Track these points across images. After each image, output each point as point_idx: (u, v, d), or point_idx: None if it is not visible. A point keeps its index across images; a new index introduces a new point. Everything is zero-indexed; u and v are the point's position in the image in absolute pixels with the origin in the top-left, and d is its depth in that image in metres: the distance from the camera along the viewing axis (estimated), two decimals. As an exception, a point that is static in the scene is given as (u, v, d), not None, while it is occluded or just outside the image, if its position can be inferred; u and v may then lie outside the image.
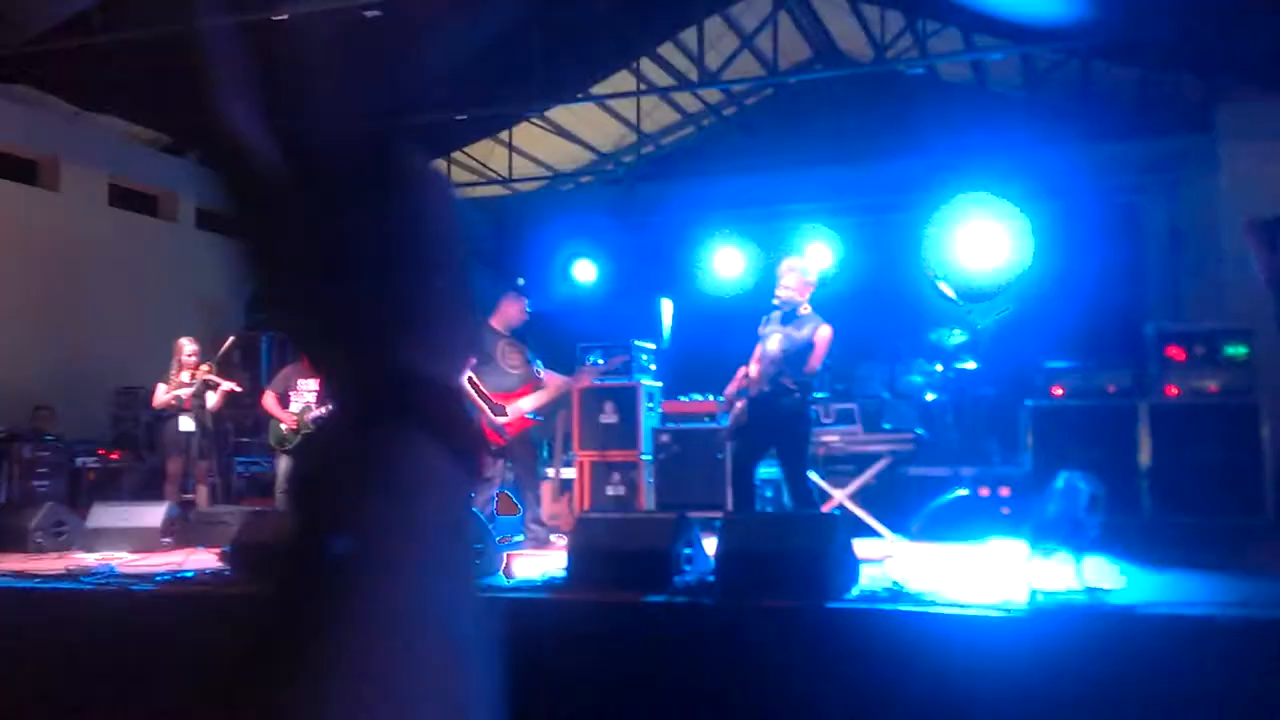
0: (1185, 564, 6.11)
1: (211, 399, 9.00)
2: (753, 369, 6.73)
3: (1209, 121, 10.44)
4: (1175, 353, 8.26)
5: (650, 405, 9.24)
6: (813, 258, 6.94)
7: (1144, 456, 8.04)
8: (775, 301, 6.87)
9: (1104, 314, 10.49)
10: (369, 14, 8.96)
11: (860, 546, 5.51)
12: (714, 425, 8.82)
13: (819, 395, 6.61)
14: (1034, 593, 4.82)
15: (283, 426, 8.68)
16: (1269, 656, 4.01)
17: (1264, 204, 8.28)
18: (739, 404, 6.71)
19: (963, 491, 8.15)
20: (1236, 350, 8.15)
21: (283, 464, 8.70)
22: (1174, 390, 8.20)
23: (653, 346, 9.07)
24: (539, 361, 7.80)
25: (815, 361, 6.54)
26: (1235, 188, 10.00)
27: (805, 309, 6.75)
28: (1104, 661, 4.18)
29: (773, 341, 6.66)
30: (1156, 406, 8.11)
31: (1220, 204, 10.19)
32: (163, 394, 8.95)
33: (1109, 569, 5.77)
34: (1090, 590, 4.88)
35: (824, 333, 6.62)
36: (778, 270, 6.90)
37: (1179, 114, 11.19)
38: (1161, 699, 4.04)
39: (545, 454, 10.80)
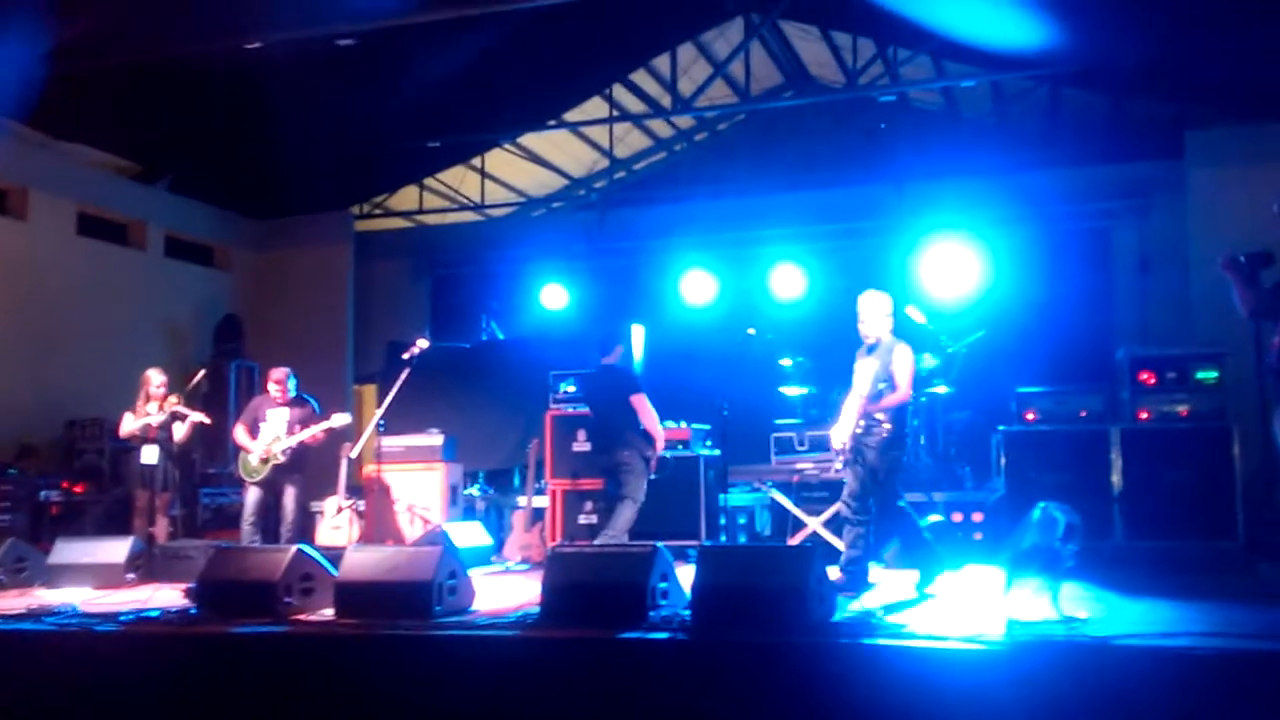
0: (1160, 591, 6.11)
1: (179, 430, 8.86)
2: (847, 408, 6.55)
3: (1178, 148, 10.53)
4: (1146, 377, 8.30)
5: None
6: (871, 301, 6.78)
7: (1116, 481, 8.06)
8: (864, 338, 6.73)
9: (1075, 339, 10.53)
10: (343, 43, 8.93)
11: (835, 575, 5.48)
12: (687, 452, 8.77)
13: (913, 422, 6.42)
14: (1011, 624, 4.79)
15: (251, 458, 8.56)
16: (1245, 688, 3.99)
17: (1231, 230, 8.37)
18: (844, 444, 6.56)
19: (936, 517, 8.13)
20: (1207, 375, 8.19)
21: (251, 495, 8.57)
22: (1145, 415, 8.24)
23: (583, 378, 8.99)
24: None
25: (902, 388, 6.43)
26: (1203, 214, 10.09)
27: (887, 339, 6.64)
28: (1081, 694, 4.15)
29: (862, 376, 6.53)
30: (1128, 431, 8.14)
31: (1189, 229, 10.27)
32: (130, 423, 8.81)
33: (1085, 598, 5.75)
34: (1067, 621, 4.86)
35: (900, 355, 6.49)
36: (858, 308, 6.77)
37: (1148, 140, 11.28)
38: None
39: (516, 483, 10.73)
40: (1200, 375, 8.21)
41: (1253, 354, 4.66)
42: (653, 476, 7.86)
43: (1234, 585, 6.52)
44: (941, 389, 9.43)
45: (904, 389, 6.42)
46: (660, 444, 7.88)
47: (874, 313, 6.67)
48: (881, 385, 6.42)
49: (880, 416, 6.35)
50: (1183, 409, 8.18)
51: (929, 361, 10.00)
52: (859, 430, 6.40)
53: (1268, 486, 7.52)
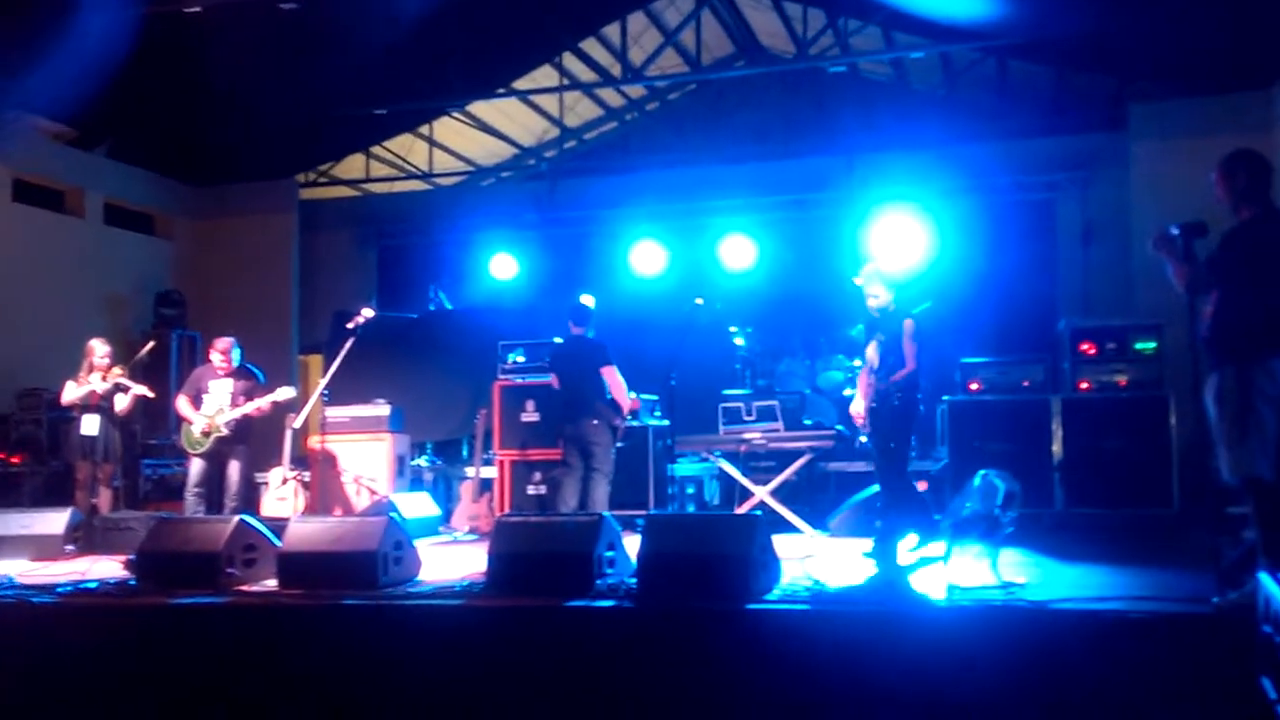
0: (1096, 557, 6.24)
1: (121, 402, 8.71)
2: (862, 382, 6.77)
3: (1121, 120, 10.66)
4: (1087, 348, 8.45)
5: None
6: (872, 266, 6.85)
7: (1057, 450, 8.20)
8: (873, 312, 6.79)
9: (1019, 309, 10.66)
10: (285, 6, 8.75)
11: (781, 543, 5.52)
12: (636, 423, 8.78)
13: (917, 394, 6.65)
14: (951, 589, 4.87)
15: (195, 429, 8.44)
16: (1176, 650, 4.09)
17: (1173, 202, 8.46)
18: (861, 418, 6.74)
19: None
20: (1146, 345, 8.36)
21: (194, 466, 8.46)
22: (1086, 385, 8.38)
23: (555, 347, 8.97)
24: None
25: (908, 359, 6.51)
26: (1146, 186, 10.23)
27: (891, 307, 6.68)
28: (1018, 656, 4.23)
29: (871, 350, 6.70)
30: (1069, 401, 8.29)
31: (1131, 202, 10.42)
32: (72, 392, 8.65)
33: (1024, 564, 5.86)
34: (1005, 586, 4.95)
35: (905, 330, 6.57)
36: (859, 283, 6.80)
37: (1092, 113, 11.41)
38: (1074, 692, 4.11)
39: (465, 453, 10.69)
40: (1139, 346, 8.37)
41: (1190, 325, 4.73)
42: (619, 445, 7.95)
43: (1167, 551, 6.68)
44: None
45: (910, 361, 6.51)
46: (626, 413, 7.98)
47: (876, 285, 6.67)
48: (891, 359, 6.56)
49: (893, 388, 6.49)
50: (1121, 379, 8.35)
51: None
52: (873, 404, 6.59)
53: (1202, 455, 7.69)
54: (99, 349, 8.75)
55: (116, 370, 8.77)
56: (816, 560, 6.27)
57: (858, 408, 6.78)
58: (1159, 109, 10.45)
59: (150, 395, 9.02)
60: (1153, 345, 8.32)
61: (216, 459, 8.44)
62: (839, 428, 8.77)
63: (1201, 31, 8.85)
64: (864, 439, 6.79)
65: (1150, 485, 7.96)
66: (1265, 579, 3.83)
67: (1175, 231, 4.76)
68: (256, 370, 8.77)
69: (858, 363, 9.99)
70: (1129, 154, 10.56)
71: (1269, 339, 4.41)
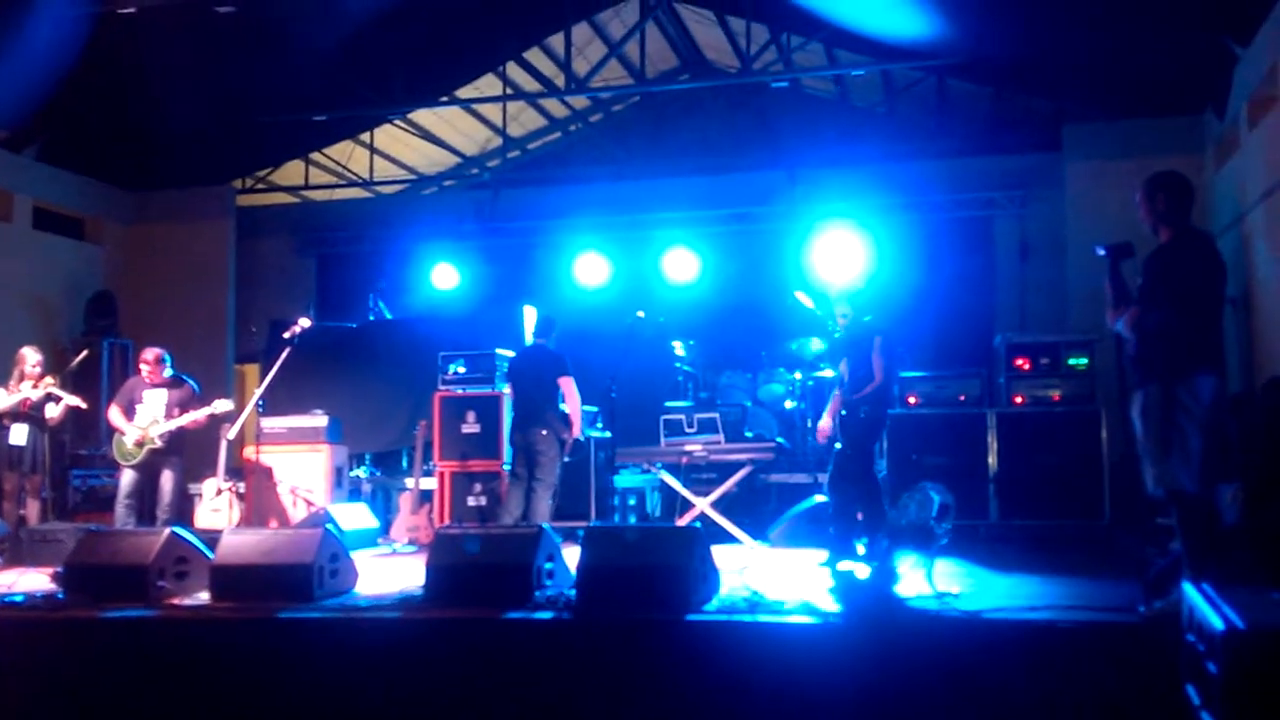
0: (1029, 567, 6.35)
1: (52, 411, 8.49)
2: (835, 401, 6.98)
3: (1057, 141, 10.90)
4: (1022, 363, 8.61)
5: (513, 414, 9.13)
6: (842, 285, 7.14)
7: (992, 462, 8.34)
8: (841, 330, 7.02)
9: (958, 325, 10.83)
10: (222, 10, 8.63)
11: (721, 555, 5.54)
12: (580, 436, 8.76)
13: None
14: (889, 597, 4.93)
15: (127, 440, 8.23)
16: (1105, 658, 4.17)
17: (1106, 223, 8.68)
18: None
19: (821, 498, 8.29)
20: (1078, 361, 8.53)
21: (125, 478, 8.26)
22: (1020, 399, 8.54)
23: (515, 355, 8.94)
24: None
25: (877, 373, 6.67)
26: (1080, 206, 10.47)
27: (862, 329, 6.87)
28: (952, 663, 4.29)
29: (844, 367, 6.93)
30: (1003, 415, 8.43)
31: (1066, 220, 10.65)
32: (1, 400, 8.42)
33: (958, 574, 5.94)
34: (940, 595, 5.02)
35: (876, 344, 6.75)
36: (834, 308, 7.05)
37: (1030, 133, 11.65)
38: (1008, 700, 4.17)
39: (404, 464, 10.58)
40: (1072, 361, 8.55)
41: (1116, 342, 4.85)
42: (566, 459, 8.00)
43: (1097, 562, 6.82)
44: (828, 373, 9.61)
45: (879, 377, 6.67)
46: (577, 429, 8.04)
47: (842, 308, 6.90)
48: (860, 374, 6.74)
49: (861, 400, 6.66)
50: (1055, 393, 8.51)
51: (816, 345, 10.21)
52: (842, 413, 6.78)
53: (1131, 469, 7.87)
54: (30, 357, 8.52)
55: (48, 379, 8.55)
56: (755, 570, 6.30)
57: (824, 424, 6.99)
58: (1092, 130, 10.70)
59: (83, 406, 8.81)
60: (1084, 361, 8.49)
61: (149, 470, 8.25)
62: (780, 440, 8.83)
63: (1135, 57, 9.09)
64: (838, 445, 6.88)
65: (1082, 497, 8.12)
66: (1189, 589, 3.93)
67: (1102, 252, 4.88)
68: (191, 380, 8.60)
69: (798, 375, 10.13)
70: (1063, 174, 10.79)
71: (1191, 357, 4.52)
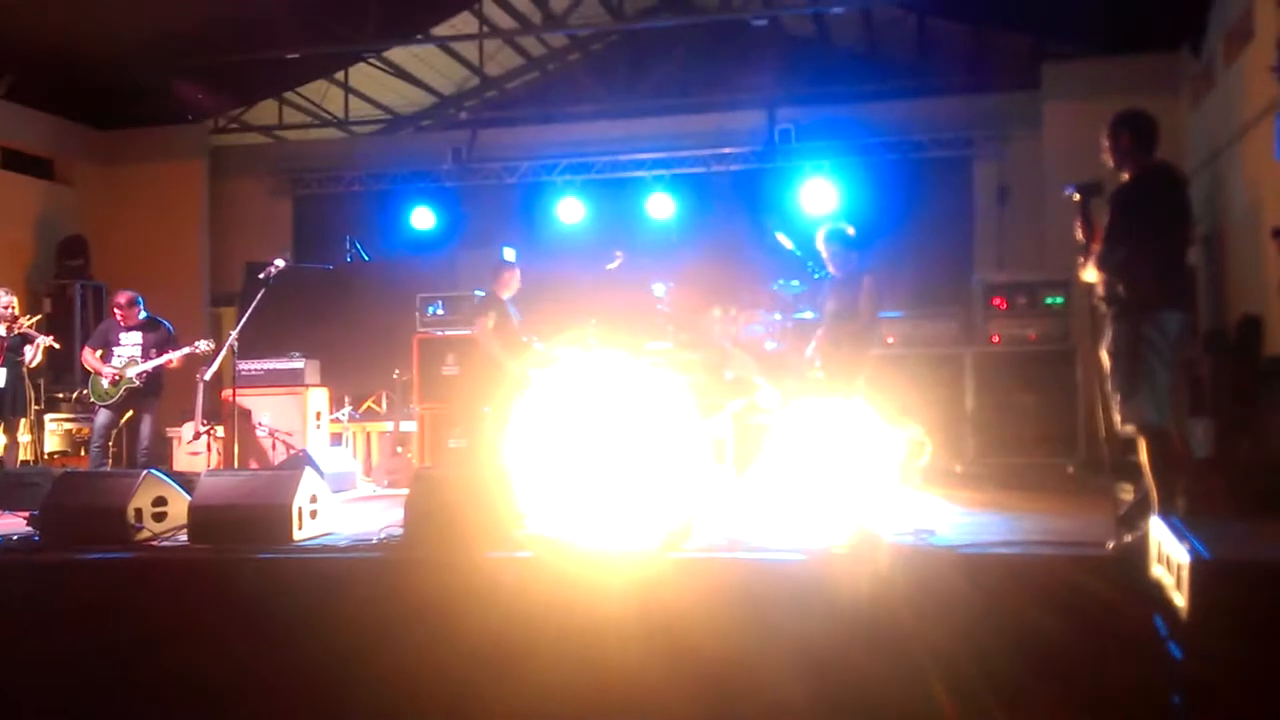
0: (1005, 506, 6.43)
1: (30, 354, 8.43)
2: (821, 336, 6.95)
3: (1037, 80, 10.84)
4: (998, 302, 8.64)
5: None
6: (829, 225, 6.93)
7: (969, 402, 8.40)
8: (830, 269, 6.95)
9: (936, 266, 10.82)
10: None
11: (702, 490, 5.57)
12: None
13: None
14: (866, 533, 4.98)
15: (104, 381, 8.21)
16: (1076, 591, 4.24)
17: (1084, 162, 8.66)
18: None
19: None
20: (1054, 300, 8.58)
21: (101, 418, 8.23)
22: (997, 339, 8.59)
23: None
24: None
25: (864, 313, 6.63)
26: (1058, 146, 10.41)
27: (846, 272, 6.81)
28: (929, 597, 4.35)
29: (829, 304, 6.87)
30: (980, 354, 8.48)
31: (1045, 160, 10.62)
32: (-28, 342, 8.36)
33: (935, 511, 6.01)
34: (916, 531, 5.08)
35: (864, 287, 6.69)
36: (818, 245, 6.90)
37: (1009, 72, 11.55)
38: (979, 632, 4.23)
39: (384, 407, 10.57)
40: (1048, 301, 8.59)
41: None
42: None
43: (1071, 499, 6.90)
44: (808, 315, 9.61)
45: (863, 318, 6.63)
46: None
47: (832, 247, 6.74)
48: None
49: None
50: (1031, 333, 8.56)
51: (797, 287, 10.19)
52: (826, 357, 6.73)
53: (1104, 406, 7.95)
54: (1, 298, 8.44)
55: (24, 320, 8.47)
56: (736, 509, 6.34)
57: (808, 353, 6.97)
58: (1071, 69, 10.63)
59: (57, 346, 8.75)
60: (1061, 300, 8.53)
61: (125, 411, 8.23)
62: (759, 381, 8.84)
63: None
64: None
65: (1058, 434, 8.21)
66: (1157, 522, 3.99)
67: (1070, 191, 4.88)
68: (165, 323, 8.54)
69: (779, 316, 10.14)
70: (1042, 113, 10.75)
71: (1157, 293, 4.54)
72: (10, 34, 10.12)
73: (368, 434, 10.28)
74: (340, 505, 6.05)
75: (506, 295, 8.11)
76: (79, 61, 10.76)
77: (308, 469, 5.87)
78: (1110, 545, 4.54)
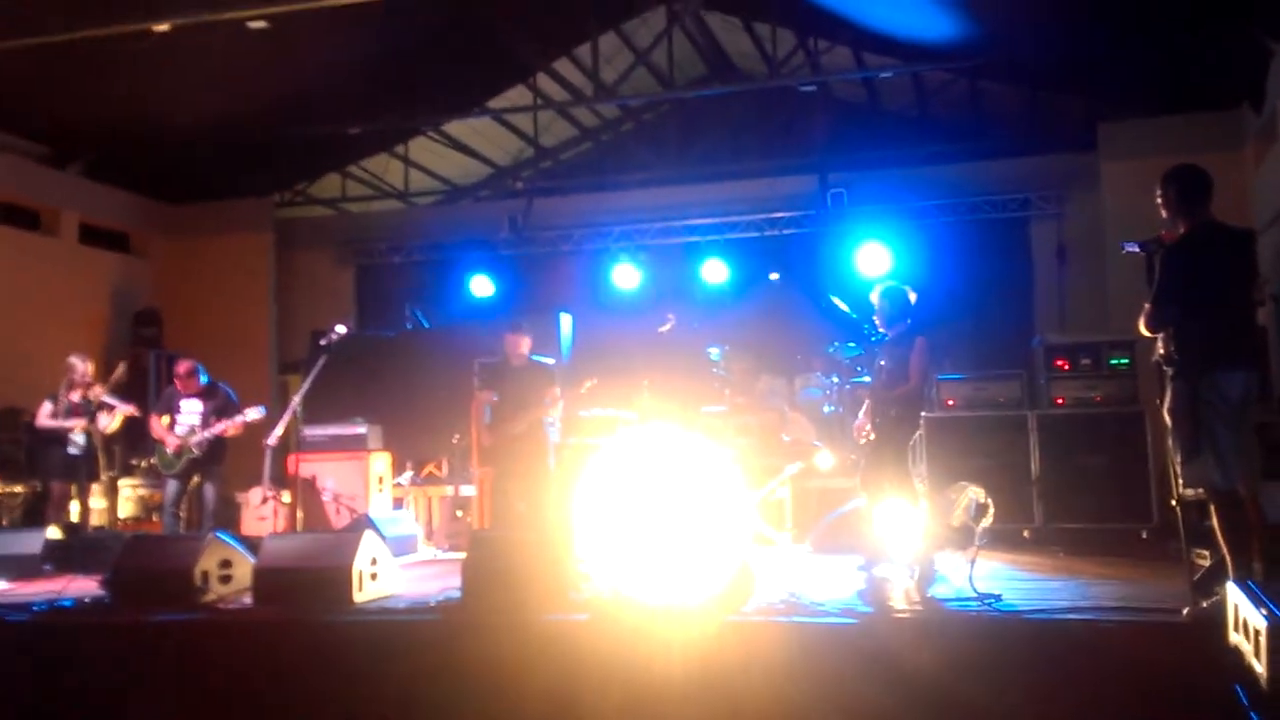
0: (1074, 571, 6.28)
1: (105, 421, 8.64)
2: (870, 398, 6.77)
3: (1092, 140, 10.79)
4: (1061, 364, 8.52)
5: (551, 421, 9.14)
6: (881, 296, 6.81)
7: (1034, 465, 8.25)
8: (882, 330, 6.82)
9: (994, 328, 10.74)
10: (254, 26, 8.74)
11: (761, 558, 5.54)
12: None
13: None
14: (929, 599, 4.90)
15: (168, 451, 8.35)
16: (1151, 659, 4.13)
17: (1145, 221, 8.59)
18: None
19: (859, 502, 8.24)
20: (1119, 361, 8.43)
21: (170, 487, 8.37)
22: (1061, 400, 8.45)
23: (552, 362, 8.99)
24: None
25: (913, 375, 6.45)
26: (1117, 205, 10.34)
27: (903, 326, 6.64)
28: (993, 663, 4.26)
29: (881, 365, 6.70)
30: (1045, 417, 8.34)
31: (1105, 220, 10.53)
32: (46, 415, 8.58)
33: (1001, 577, 5.90)
34: (981, 597, 4.98)
35: (915, 348, 6.50)
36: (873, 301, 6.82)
37: (1066, 132, 11.51)
38: (1054, 701, 4.13)
39: (445, 471, 10.64)
40: (1113, 362, 8.44)
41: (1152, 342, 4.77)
42: None
43: (1143, 564, 6.72)
44: (865, 379, 9.56)
45: (913, 380, 6.46)
46: None
47: (886, 305, 6.69)
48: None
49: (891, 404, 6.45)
50: (1097, 394, 8.41)
51: (854, 350, 10.16)
52: (877, 419, 6.53)
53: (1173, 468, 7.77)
54: (78, 365, 8.67)
55: (98, 389, 8.69)
56: (794, 574, 6.28)
57: (860, 423, 6.75)
58: (1127, 128, 10.58)
59: (136, 413, 8.95)
60: (1126, 361, 8.39)
61: (189, 480, 8.36)
62: (816, 444, 8.79)
63: (1168, 53, 8.98)
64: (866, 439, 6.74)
65: (1129, 499, 8.00)
66: (1233, 588, 3.88)
67: (1129, 248, 4.82)
68: (227, 388, 8.70)
69: (836, 379, 10.10)
70: (1099, 173, 10.68)
71: (1211, 353, 4.44)
72: (88, 116, 10.56)
73: (429, 498, 10.34)
74: (401, 568, 6.09)
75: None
76: (152, 140, 11.18)
77: (368, 531, 5.94)
78: (1185, 612, 4.42)
